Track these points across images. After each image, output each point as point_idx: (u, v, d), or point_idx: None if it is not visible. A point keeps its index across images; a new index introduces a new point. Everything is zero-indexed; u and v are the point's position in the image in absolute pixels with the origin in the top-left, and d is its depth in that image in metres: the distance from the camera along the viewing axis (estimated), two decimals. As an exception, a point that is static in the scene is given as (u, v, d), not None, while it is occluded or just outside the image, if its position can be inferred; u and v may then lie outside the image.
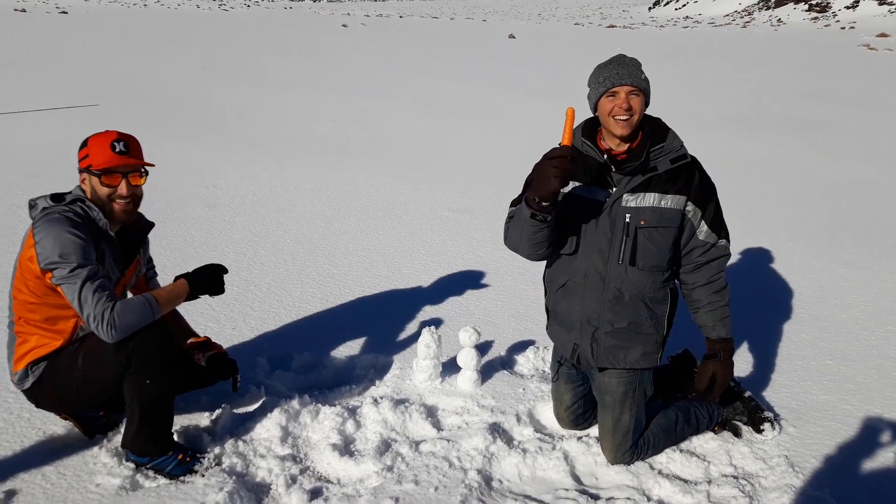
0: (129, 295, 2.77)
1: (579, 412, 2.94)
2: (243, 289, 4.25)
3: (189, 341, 2.92)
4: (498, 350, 3.66)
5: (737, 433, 2.95)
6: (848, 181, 7.65)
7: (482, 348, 3.55)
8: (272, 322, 3.86)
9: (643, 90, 2.41)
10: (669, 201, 2.48)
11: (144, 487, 2.50)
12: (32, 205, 2.49)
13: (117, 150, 2.48)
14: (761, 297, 4.49)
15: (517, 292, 4.41)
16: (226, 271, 2.75)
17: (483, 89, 13.83)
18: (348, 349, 3.61)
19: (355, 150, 8.31)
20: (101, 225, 2.49)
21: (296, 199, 6.24)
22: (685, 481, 2.68)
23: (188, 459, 2.59)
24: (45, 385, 2.52)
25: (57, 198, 2.48)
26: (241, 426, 2.88)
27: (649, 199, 2.47)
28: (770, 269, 4.99)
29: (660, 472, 2.73)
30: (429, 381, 3.25)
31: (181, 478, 2.54)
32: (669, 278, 2.64)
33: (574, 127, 2.39)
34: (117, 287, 2.56)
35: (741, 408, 2.95)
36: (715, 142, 9.53)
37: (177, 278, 2.69)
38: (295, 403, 2.97)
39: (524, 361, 3.53)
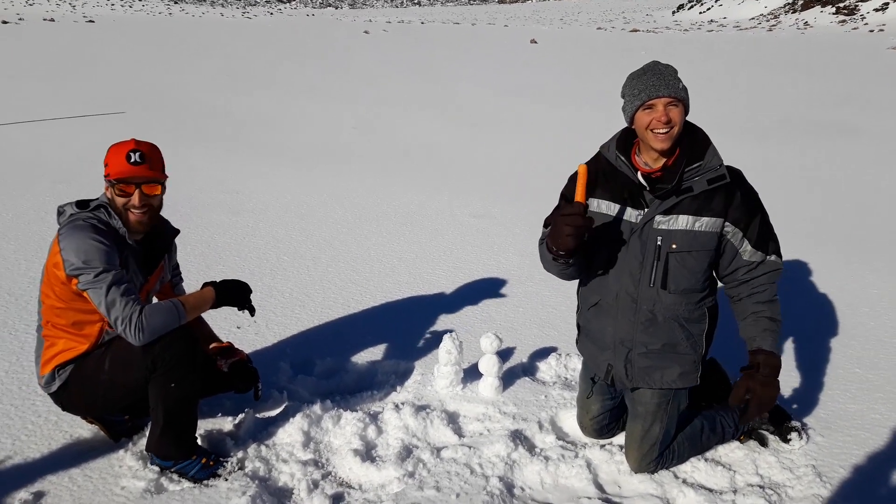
0: (155, 300, 2.81)
1: (604, 423, 2.90)
2: (266, 294, 4.29)
3: (212, 346, 2.95)
4: (520, 357, 3.65)
5: (763, 443, 2.90)
6: (877, 188, 7.52)
7: (504, 355, 3.54)
8: (294, 327, 3.89)
9: (682, 100, 2.32)
10: (704, 224, 2.39)
11: (169, 491, 2.53)
12: (61, 212, 2.54)
13: (132, 160, 2.49)
14: (789, 305, 4.39)
15: (539, 299, 4.39)
16: (251, 292, 2.80)
17: (505, 95, 13.84)
18: (370, 355, 3.62)
19: (377, 156, 8.35)
20: (122, 233, 2.52)
21: (318, 205, 6.29)
22: (710, 490, 2.64)
23: (212, 463, 2.61)
24: (72, 388, 2.56)
25: (82, 204, 2.52)
26: (263, 431, 2.89)
27: (682, 222, 2.38)
28: (798, 277, 4.91)
29: (684, 482, 2.69)
30: (450, 387, 3.25)
31: (205, 482, 2.56)
32: (707, 297, 2.55)
33: (611, 139, 2.37)
34: (141, 293, 2.59)
35: (767, 417, 2.91)
36: (739, 147, 9.43)
37: (204, 285, 2.73)
38: (317, 408, 2.98)
39: (546, 368, 3.51)
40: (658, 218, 2.40)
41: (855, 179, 7.85)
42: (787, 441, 2.87)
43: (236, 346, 3.02)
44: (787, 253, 5.33)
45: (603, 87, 14.98)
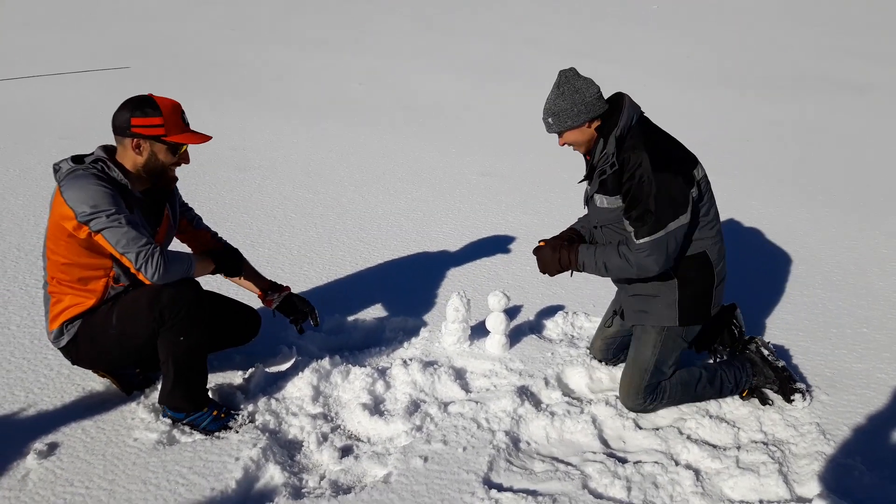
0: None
1: (612, 347, 3.11)
2: (274, 251, 4.29)
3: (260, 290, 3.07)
4: (527, 314, 3.66)
5: (764, 401, 2.92)
6: (891, 147, 7.41)
7: (511, 312, 3.56)
8: (303, 284, 3.90)
9: (565, 132, 2.69)
10: (609, 202, 2.72)
11: (181, 442, 2.57)
12: (57, 169, 2.50)
13: (187, 122, 2.57)
14: (798, 264, 4.40)
15: (546, 257, 4.38)
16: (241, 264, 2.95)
17: (515, 49, 13.59)
18: (378, 312, 3.64)
19: (384, 112, 8.26)
20: (123, 183, 2.50)
21: (325, 162, 6.25)
22: (714, 446, 2.67)
23: (223, 416, 2.65)
24: (80, 343, 2.59)
25: (77, 159, 2.50)
26: (273, 385, 2.93)
27: (598, 201, 2.77)
28: (807, 236, 4.88)
29: (688, 437, 2.72)
30: (457, 344, 3.27)
31: (216, 434, 2.61)
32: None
33: None
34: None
35: (773, 377, 2.92)
36: (751, 104, 9.28)
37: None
38: (326, 364, 3.01)
39: (553, 326, 3.52)
40: (594, 195, 2.79)
41: (868, 138, 7.73)
42: (790, 401, 2.89)
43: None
44: (797, 212, 5.31)
45: (614, 39, 14.70)
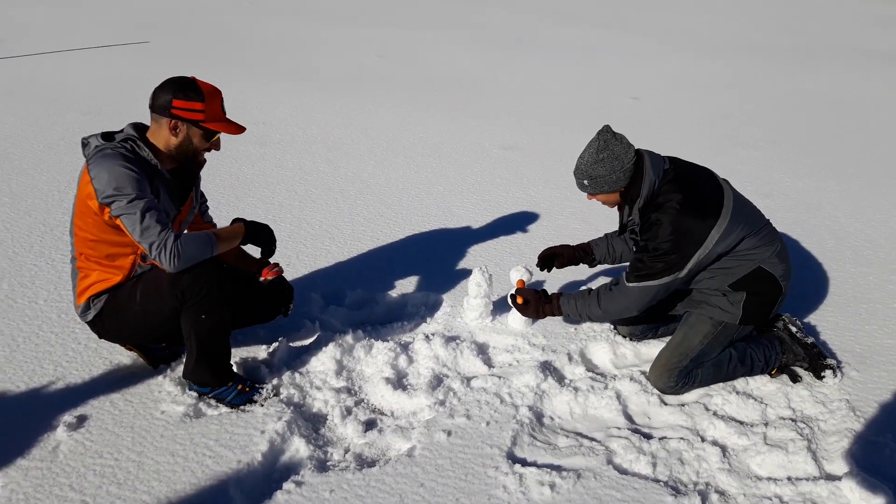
0: (186, 232, 2.82)
1: (645, 326, 3.13)
2: (296, 226, 4.29)
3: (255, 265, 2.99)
4: (549, 289, 3.61)
5: (794, 379, 2.87)
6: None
7: (534, 287, 3.52)
8: (325, 259, 3.90)
9: (596, 193, 2.76)
10: None
11: (207, 415, 2.60)
12: (85, 143, 2.50)
13: (225, 110, 2.57)
14: (828, 238, 4.31)
15: (569, 231, 4.34)
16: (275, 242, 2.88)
17: (536, 20, 13.37)
18: (400, 287, 3.63)
19: (403, 85, 8.19)
20: (153, 163, 2.50)
21: (345, 136, 6.22)
22: (741, 423, 2.64)
23: (248, 390, 2.67)
24: (106, 318, 2.61)
25: (107, 136, 2.49)
26: (297, 359, 2.94)
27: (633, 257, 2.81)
28: (838, 209, 4.77)
29: (714, 414, 2.69)
30: (479, 319, 3.26)
31: (241, 407, 2.63)
32: (714, 278, 2.76)
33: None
34: (174, 223, 2.60)
35: (802, 354, 2.87)
36: (781, 73, 9.07)
37: (234, 221, 2.76)
38: (349, 338, 3.01)
39: (576, 301, 3.48)
40: (633, 248, 2.90)
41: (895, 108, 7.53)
42: (820, 378, 2.85)
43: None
44: (827, 184, 5.19)
45: (630, 9, 14.40)
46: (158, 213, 2.40)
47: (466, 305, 3.28)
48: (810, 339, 2.92)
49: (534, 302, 2.92)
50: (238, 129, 2.57)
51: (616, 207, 2.91)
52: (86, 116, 6.48)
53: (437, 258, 3.97)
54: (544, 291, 2.97)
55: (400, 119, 6.80)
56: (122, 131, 2.52)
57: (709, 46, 10.94)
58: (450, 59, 9.75)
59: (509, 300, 3.05)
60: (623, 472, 2.38)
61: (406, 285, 3.65)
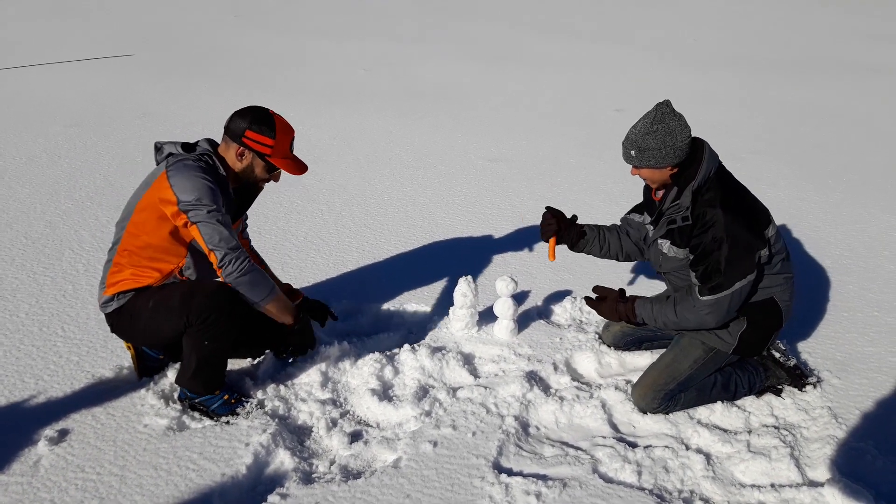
0: None
1: (630, 338, 3.10)
2: (281, 238, 4.29)
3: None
4: (534, 300, 3.64)
5: (778, 394, 2.88)
6: (901, 128, 7.33)
7: (519, 298, 3.54)
8: (310, 270, 3.90)
9: (644, 167, 2.63)
10: (677, 252, 2.69)
11: (191, 428, 2.58)
12: (158, 147, 2.60)
13: (292, 149, 2.69)
14: (808, 247, 4.37)
15: (554, 242, 4.36)
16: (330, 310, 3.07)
17: (521, 33, 13.49)
18: (385, 298, 3.63)
19: (389, 98, 8.22)
20: (223, 180, 2.59)
21: (330, 148, 6.23)
22: (725, 431, 2.66)
23: (233, 401, 2.66)
24: (123, 315, 2.62)
25: (187, 147, 2.57)
26: (282, 371, 2.93)
27: (664, 247, 2.74)
28: (818, 218, 4.84)
29: (699, 422, 2.71)
30: (466, 329, 3.26)
31: (226, 419, 2.61)
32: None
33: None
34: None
35: (785, 377, 2.88)
36: (767, 85, 9.20)
37: (291, 291, 3.00)
38: (334, 349, 3.01)
39: (561, 311, 3.50)
40: (659, 240, 2.76)
41: (884, 121, 7.65)
42: (801, 390, 2.87)
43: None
44: (808, 194, 5.26)
45: (624, 23, 14.56)
46: (230, 227, 2.49)
47: (452, 316, 3.29)
48: (793, 362, 2.93)
49: (610, 300, 2.81)
50: (299, 170, 2.68)
51: (650, 193, 2.82)
52: (69, 129, 6.45)
53: (422, 269, 3.97)
54: (622, 291, 2.83)
55: (386, 131, 6.82)
56: (198, 144, 2.62)
57: (692, 59, 11.08)
58: (435, 71, 9.81)
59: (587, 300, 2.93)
60: (608, 480, 2.38)
61: (392, 296, 3.65)
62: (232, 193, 2.65)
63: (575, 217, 3.03)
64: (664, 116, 2.55)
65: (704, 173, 2.58)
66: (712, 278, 2.53)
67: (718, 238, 2.51)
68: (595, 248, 3.03)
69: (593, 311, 3.50)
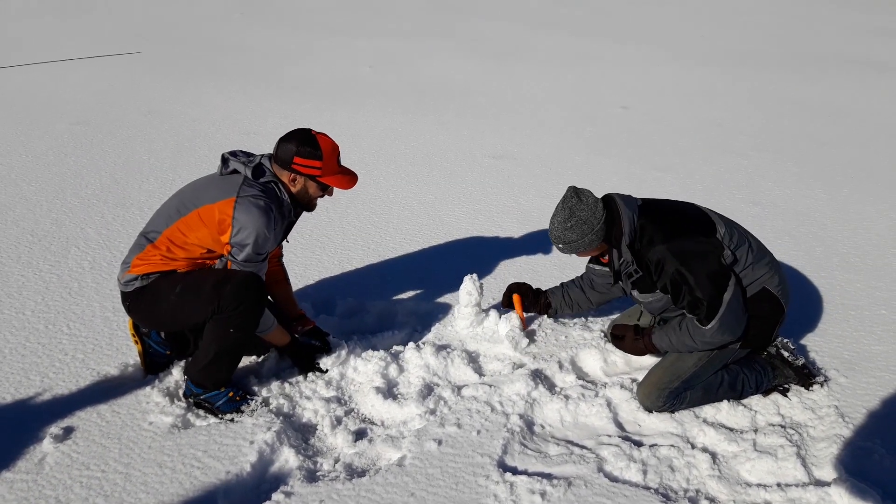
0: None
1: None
2: (286, 235, 4.28)
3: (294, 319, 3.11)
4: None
5: (785, 393, 2.86)
6: (909, 125, 7.28)
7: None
8: (315, 268, 3.89)
9: (579, 252, 2.77)
10: (652, 297, 2.75)
11: (196, 426, 2.58)
12: (225, 160, 2.66)
13: (340, 163, 2.74)
14: (816, 246, 4.34)
15: (559, 239, 4.35)
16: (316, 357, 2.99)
17: (527, 30, 13.45)
18: (390, 296, 3.63)
19: (394, 95, 8.21)
20: (287, 208, 2.70)
21: (336, 145, 6.21)
22: (731, 430, 2.65)
23: (238, 399, 2.66)
24: (146, 294, 2.64)
25: (256, 171, 2.63)
26: (286, 369, 2.93)
27: (641, 297, 2.79)
28: (825, 216, 4.81)
29: (704, 421, 2.70)
30: (470, 328, 3.25)
31: (230, 416, 2.61)
32: None
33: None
34: (266, 257, 2.73)
35: (793, 376, 2.87)
36: (771, 82, 9.16)
37: (295, 320, 3.06)
38: (339, 347, 3.00)
39: (566, 309, 3.49)
40: (633, 292, 2.82)
41: (882, 117, 7.60)
42: (809, 389, 2.85)
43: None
44: (815, 192, 5.23)
45: (625, 19, 14.51)
46: (266, 257, 2.66)
47: (457, 314, 3.28)
48: (801, 361, 2.92)
49: (629, 339, 2.89)
50: (351, 182, 2.76)
51: (603, 257, 2.93)
52: (75, 127, 6.46)
53: (427, 267, 3.96)
54: (636, 327, 2.92)
55: (390, 128, 6.81)
56: (260, 163, 2.66)
57: (699, 55, 11.03)
58: (440, 68, 9.79)
59: (607, 335, 3.09)
60: (614, 479, 2.37)
61: (397, 294, 3.65)
62: (293, 217, 2.77)
63: (539, 290, 3.25)
64: (573, 210, 2.68)
65: (629, 226, 2.66)
66: (700, 308, 2.58)
67: (677, 271, 2.57)
68: (566, 311, 3.24)
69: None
